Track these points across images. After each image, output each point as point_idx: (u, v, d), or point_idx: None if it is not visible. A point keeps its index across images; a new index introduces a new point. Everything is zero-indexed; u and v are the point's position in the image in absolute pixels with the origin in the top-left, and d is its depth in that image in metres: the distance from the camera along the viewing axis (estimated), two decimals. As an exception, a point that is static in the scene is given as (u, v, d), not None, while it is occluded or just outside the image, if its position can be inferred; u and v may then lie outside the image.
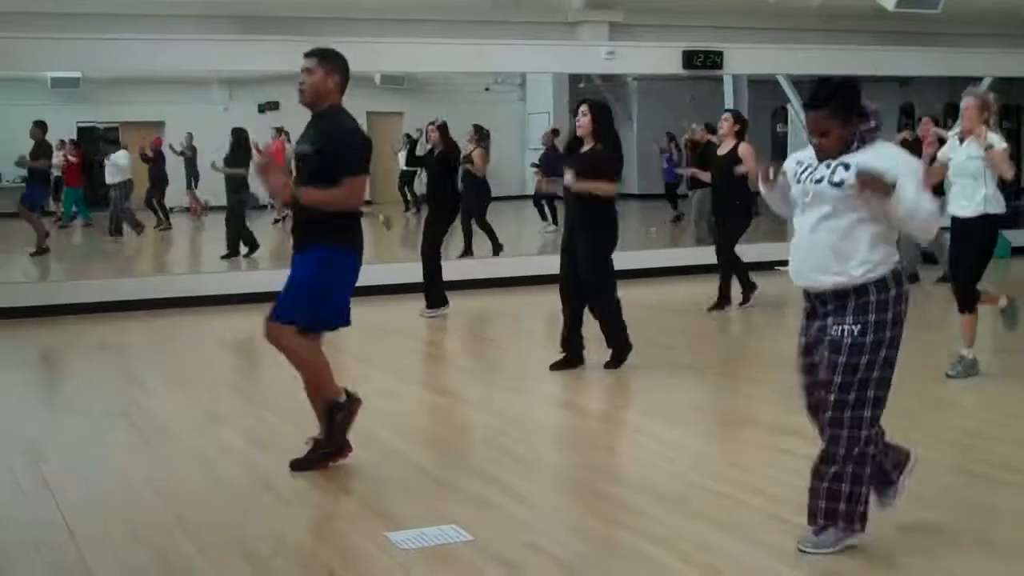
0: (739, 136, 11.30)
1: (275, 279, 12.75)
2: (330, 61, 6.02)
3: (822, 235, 4.61)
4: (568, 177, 8.33)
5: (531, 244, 18.72)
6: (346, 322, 6.12)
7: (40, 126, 17.24)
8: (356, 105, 20.01)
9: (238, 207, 16.00)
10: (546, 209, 20.13)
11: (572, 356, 8.63)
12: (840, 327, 4.58)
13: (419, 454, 6.51)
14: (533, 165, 21.21)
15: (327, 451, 6.09)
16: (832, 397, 4.61)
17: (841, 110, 4.57)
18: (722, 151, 11.46)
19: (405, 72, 21.83)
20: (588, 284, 8.47)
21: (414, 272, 11.70)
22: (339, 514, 5.51)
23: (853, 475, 4.63)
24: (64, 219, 22.32)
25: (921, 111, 22.89)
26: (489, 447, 6.64)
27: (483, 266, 14.28)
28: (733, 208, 11.40)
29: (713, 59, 14.62)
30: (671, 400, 8.00)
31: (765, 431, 6.90)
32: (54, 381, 9.34)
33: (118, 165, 19.51)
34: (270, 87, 24.94)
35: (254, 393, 8.73)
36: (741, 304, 11.60)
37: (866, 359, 4.55)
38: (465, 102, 25.93)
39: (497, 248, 15.41)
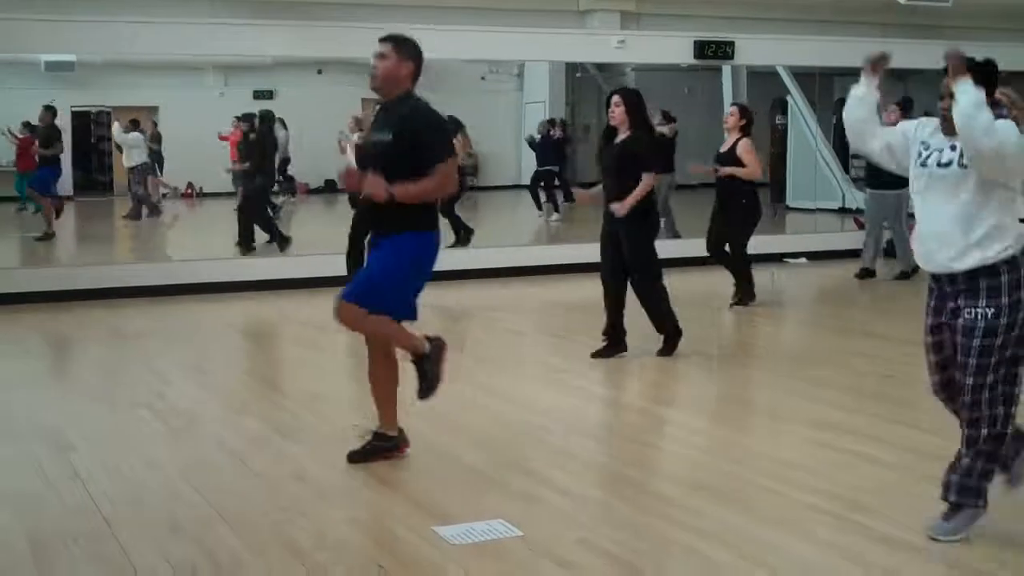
0: (744, 131, 10.96)
1: (284, 267, 12.91)
2: (404, 47, 5.87)
3: (951, 218, 4.62)
4: (615, 208, 8.39)
5: (525, 234, 18.64)
6: (414, 316, 6.00)
7: (50, 111, 17.09)
8: (351, 91, 19.75)
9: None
10: (542, 197, 19.94)
11: (614, 343, 8.64)
12: (973, 310, 4.62)
13: (458, 448, 6.39)
14: (530, 144, 21.12)
15: (387, 445, 6.02)
16: (969, 381, 4.64)
17: (979, 78, 4.53)
18: (725, 147, 11.09)
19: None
20: (633, 272, 8.53)
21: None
22: (380, 507, 5.39)
23: (988, 454, 4.69)
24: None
25: (920, 105, 22.87)
26: (530, 441, 6.53)
27: (476, 256, 14.13)
28: (739, 206, 11.00)
29: (724, 49, 14.59)
30: (708, 393, 7.94)
31: (806, 425, 6.81)
32: (74, 370, 9.18)
33: (134, 147, 19.28)
34: (265, 74, 24.73)
35: (274, 381, 8.61)
36: (732, 304, 11.11)
37: (1000, 340, 4.59)
38: (460, 91, 25.77)
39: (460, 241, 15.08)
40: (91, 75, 23.80)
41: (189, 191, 25.37)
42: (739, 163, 10.82)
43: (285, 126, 22.45)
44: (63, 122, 23.71)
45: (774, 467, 5.95)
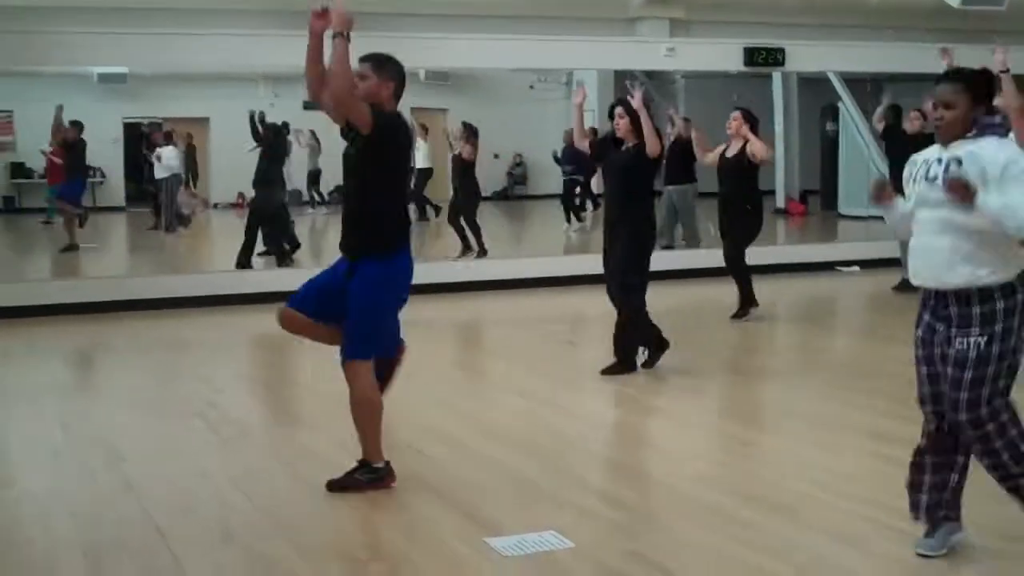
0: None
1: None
2: (385, 67, 5.68)
3: (942, 234, 4.43)
4: (636, 98, 8.21)
5: (571, 243, 18.60)
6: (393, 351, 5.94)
7: (76, 125, 17.09)
8: (400, 102, 19.59)
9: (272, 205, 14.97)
10: (572, 211, 19.66)
11: (624, 359, 8.47)
12: (965, 340, 4.40)
13: (509, 457, 6.37)
14: (556, 160, 20.97)
15: (373, 477, 5.79)
16: (963, 417, 4.44)
17: (973, 87, 4.45)
18: (730, 152, 10.79)
19: (466, 68, 21.61)
20: (620, 281, 8.33)
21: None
22: (434, 519, 5.37)
23: (963, 467, 4.65)
24: None
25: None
26: (581, 452, 6.51)
27: (520, 266, 14.10)
28: (743, 213, 10.73)
29: (775, 56, 14.46)
30: (758, 404, 7.87)
31: (860, 436, 6.75)
32: (124, 380, 9.22)
33: (167, 160, 19.44)
34: (314, 84, 24.85)
35: (323, 391, 8.60)
36: (733, 316, 10.80)
37: (992, 369, 4.39)
38: (508, 100, 25.81)
39: (481, 251, 14.90)
40: (143, 87, 24.03)
41: (240, 201, 25.54)
42: (745, 169, 10.54)
43: (317, 138, 22.54)
44: (116, 133, 24.11)
45: (829, 479, 5.88)
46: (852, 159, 21.19)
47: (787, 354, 10.32)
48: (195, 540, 5.12)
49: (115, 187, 25.33)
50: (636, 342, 8.47)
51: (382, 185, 5.67)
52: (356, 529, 5.25)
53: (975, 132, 4.48)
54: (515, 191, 27.50)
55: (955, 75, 4.53)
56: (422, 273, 13.32)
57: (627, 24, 15.22)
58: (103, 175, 25.89)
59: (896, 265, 12.25)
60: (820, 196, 22.97)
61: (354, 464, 5.80)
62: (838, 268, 14.30)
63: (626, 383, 8.28)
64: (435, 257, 14.90)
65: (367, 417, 5.75)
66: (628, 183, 8.31)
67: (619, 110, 8.35)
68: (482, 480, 5.94)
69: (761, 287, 11.10)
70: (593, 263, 13.33)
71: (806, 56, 15.04)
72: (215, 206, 25.49)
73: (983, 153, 4.38)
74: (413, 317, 11.66)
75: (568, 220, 19.54)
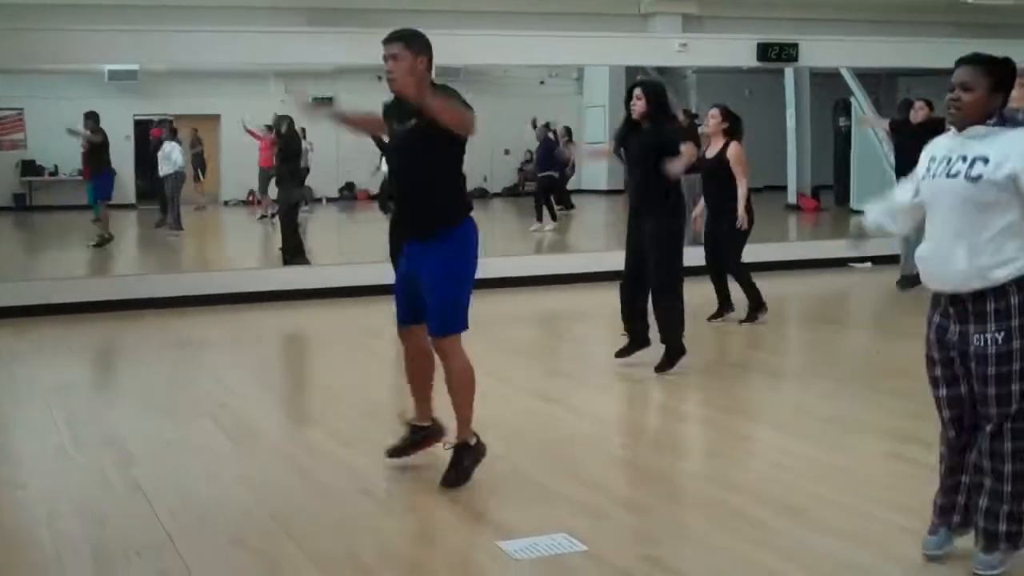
0: (729, 135, 10.07)
1: (341, 275, 12.83)
2: (415, 42, 5.63)
3: (958, 240, 4.26)
4: (674, 167, 8.05)
5: (584, 240, 18.50)
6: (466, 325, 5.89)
7: (92, 117, 17.05)
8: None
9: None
10: (544, 209, 19.31)
11: (636, 339, 8.43)
12: (982, 336, 4.27)
13: (521, 459, 6.29)
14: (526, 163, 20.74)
15: (479, 455, 5.87)
16: (992, 410, 4.31)
17: (996, 73, 4.27)
18: (710, 152, 10.22)
19: (477, 64, 21.55)
20: (656, 286, 8.20)
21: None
22: (444, 521, 5.33)
23: (1015, 493, 4.33)
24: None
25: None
26: (594, 453, 6.44)
27: (526, 263, 14.07)
28: (729, 214, 10.11)
29: (788, 51, 14.37)
30: (778, 404, 7.78)
31: (879, 437, 6.65)
32: (135, 380, 9.19)
33: (170, 157, 19.38)
34: (326, 81, 24.85)
35: (335, 390, 8.56)
36: (743, 320, 10.31)
37: (1018, 366, 4.25)
38: (519, 95, 25.75)
39: None
40: (153, 84, 24.05)
41: (252, 199, 25.54)
42: (726, 171, 10.04)
43: (304, 136, 22.36)
44: (127, 131, 24.10)
45: (844, 479, 5.82)
46: (865, 154, 21.07)
47: (800, 352, 10.26)
48: (205, 543, 5.08)
49: (125, 184, 25.27)
50: (667, 340, 8.32)
51: (448, 157, 5.64)
52: (367, 533, 5.19)
53: (995, 122, 4.26)
54: (526, 187, 27.45)
55: (977, 57, 4.31)
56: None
57: (639, 20, 15.15)
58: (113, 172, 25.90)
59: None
60: (833, 191, 22.88)
61: (449, 449, 5.86)
62: (851, 264, 14.22)
63: (640, 382, 8.22)
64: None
65: (468, 389, 5.82)
66: (650, 164, 8.08)
67: (637, 91, 8.19)
68: (493, 482, 5.87)
69: (774, 284, 11.02)
70: (596, 261, 13.43)
71: (820, 51, 14.90)
72: (226, 203, 25.48)
73: (1013, 147, 4.17)
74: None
75: (539, 219, 19.20)
